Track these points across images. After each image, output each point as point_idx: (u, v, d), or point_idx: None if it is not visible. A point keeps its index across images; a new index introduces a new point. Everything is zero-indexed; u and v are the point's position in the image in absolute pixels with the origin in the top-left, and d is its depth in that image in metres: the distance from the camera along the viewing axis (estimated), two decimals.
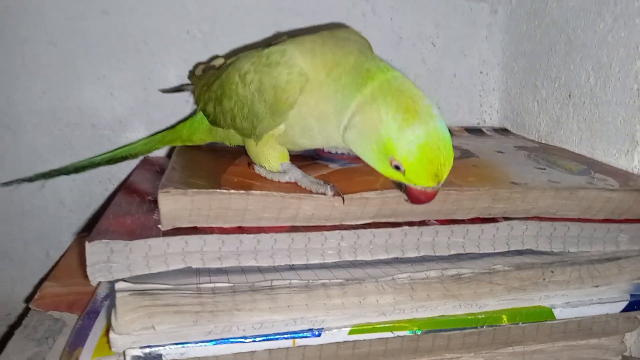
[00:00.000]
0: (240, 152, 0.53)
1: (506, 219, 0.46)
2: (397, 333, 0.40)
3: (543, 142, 0.66)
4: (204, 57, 0.67)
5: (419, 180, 0.39)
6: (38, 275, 0.69)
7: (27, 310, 0.50)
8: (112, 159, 0.61)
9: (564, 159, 0.56)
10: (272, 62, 0.44)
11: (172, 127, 0.60)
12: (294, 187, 0.44)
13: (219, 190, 0.40)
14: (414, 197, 0.41)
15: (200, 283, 0.38)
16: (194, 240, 0.40)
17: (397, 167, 0.39)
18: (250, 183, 0.44)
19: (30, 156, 0.67)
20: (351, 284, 0.40)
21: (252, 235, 0.41)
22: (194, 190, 0.40)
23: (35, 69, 0.64)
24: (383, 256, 0.44)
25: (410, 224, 0.44)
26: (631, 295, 0.45)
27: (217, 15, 0.67)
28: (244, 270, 0.41)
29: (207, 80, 0.53)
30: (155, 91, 0.67)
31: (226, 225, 0.41)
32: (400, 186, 0.42)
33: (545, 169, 0.52)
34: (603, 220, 0.47)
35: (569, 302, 0.44)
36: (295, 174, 0.45)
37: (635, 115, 0.52)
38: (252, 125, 0.46)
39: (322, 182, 0.43)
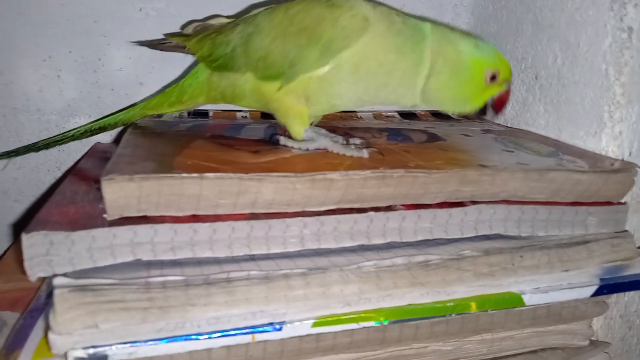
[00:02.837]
0: (198, 135, 0.50)
1: (474, 202, 0.44)
2: (363, 324, 0.38)
3: (509, 125, 0.65)
4: (158, 36, 0.64)
5: (508, 74, 0.49)
6: None
7: None
8: (89, 131, 0.56)
9: (531, 141, 0.55)
10: (335, 4, 0.45)
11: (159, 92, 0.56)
12: (257, 168, 0.41)
13: (169, 175, 0.37)
14: (502, 100, 0.50)
15: (149, 277, 0.35)
16: (144, 230, 0.37)
17: (494, 77, 0.48)
18: (206, 166, 0.40)
19: None
20: (314, 274, 0.37)
21: (207, 224, 0.38)
22: (142, 175, 0.36)
23: None
24: (348, 243, 0.41)
25: (376, 209, 0.42)
26: (601, 280, 0.44)
27: None
28: (199, 262, 0.38)
29: (217, 29, 0.51)
30: (106, 74, 0.63)
31: (179, 214, 0.38)
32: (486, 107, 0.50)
33: (513, 152, 0.50)
34: (572, 203, 0.46)
35: (538, 288, 0.42)
36: (324, 141, 0.47)
37: (604, 95, 0.51)
38: (291, 62, 0.44)
39: (355, 145, 0.47)
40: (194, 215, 0.39)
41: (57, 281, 0.34)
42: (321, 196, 0.40)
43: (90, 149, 0.61)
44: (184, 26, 0.59)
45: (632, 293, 0.54)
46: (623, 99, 0.49)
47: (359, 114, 0.69)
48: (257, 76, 0.47)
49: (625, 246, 0.46)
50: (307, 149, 0.46)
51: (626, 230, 0.48)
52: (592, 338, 0.52)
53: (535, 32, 0.60)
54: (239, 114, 0.64)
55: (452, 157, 0.48)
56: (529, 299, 0.42)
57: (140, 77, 0.65)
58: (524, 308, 0.44)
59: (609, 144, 0.51)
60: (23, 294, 0.46)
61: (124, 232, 0.36)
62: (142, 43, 0.62)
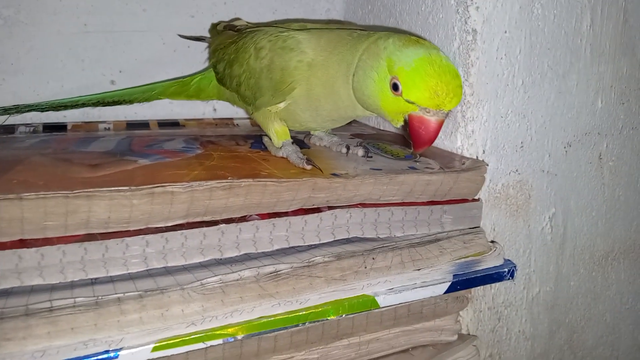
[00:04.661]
0: (37, 151, 0.46)
1: (330, 208, 0.44)
2: (210, 342, 0.37)
3: (381, 128, 0.66)
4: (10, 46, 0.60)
5: (417, 95, 0.40)
6: None
7: None
8: (102, 102, 0.58)
9: (393, 144, 0.56)
10: (287, 47, 0.47)
11: (180, 78, 0.60)
12: (89, 183, 0.38)
13: None
14: (415, 130, 0.42)
15: None
16: None
17: (395, 86, 0.41)
18: (34, 184, 0.37)
19: None
20: (150, 296, 0.35)
21: (33, 249, 0.35)
22: None
23: None
24: (199, 259, 0.40)
25: (228, 221, 0.41)
26: (454, 276, 0.45)
27: None
28: (32, 291, 0.35)
29: (224, 39, 0.56)
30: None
31: (3, 239, 0.35)
32: (405, 128, 0.43)
33: (371, 157, 0.51)
34: (427, 203, 0.47)
35: (392, 289, 0.43)
36: (287, 150, 0.48)
37: None
38: (254, 96, 0.50)
39: (305, 158, 0.46)
40: (20, 240, 0.36)
41: None
42: (164, 211, 0.39)
43: None
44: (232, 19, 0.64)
45: (498, 285, 0.56)
46: (473, 99, 0.51)
47: (235, 121, 0.68)
48: (239, 99, 0.54)
49: (477, 242, 0.47)
50: (275, 155, 0.50)
51: (478, 227, 0.49)
52: (461, 332, 0.53)
53: None
54: (101, 126, 0.60)
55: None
56: (383, 301, 0.42)
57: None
58: (383, 309, 0.44)
59: (463, 143, 0.53)
60: None
61: None
62: (186, 37, 0.66)
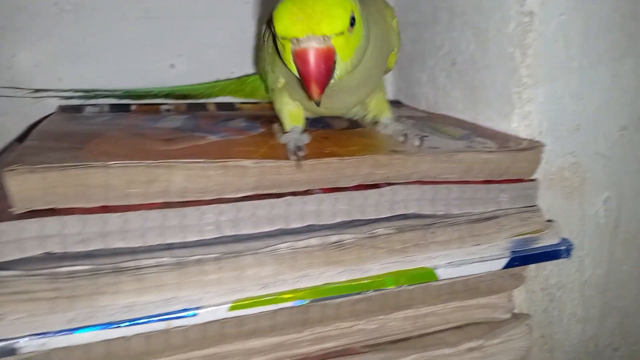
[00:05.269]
0: (111, 127, 0.49)
1: (389, 184, 0.45)
2: (281, 305, 0.39)
3: (431, 111, 0.67)
4: (75, 32, 0.63)
5: (280, 26, 0.37)
6: None
7: None
8: (171, 94, 0.62)
9: (447, 125, 0.57)
10: None
11: (236, 78, 0.64)
12: (167, 155, 0.40)
13: (73, 165, 0.36)
14: (298, 68, 0.38)
15: (55, 267, 0.34)
16: (52, 222, 0.36)
17: (274, 36, 0.39)
18: (115, 154, 0.40)
19: None
20: (227, 258, 0.38)
21: (118, 214, 0.37)
22: (45, 166, 0.36)
23: None
24: (267, 228, 0.42)
25: (294, 194, 0.43)
26: (511, 252, 0.46)
27: None
28: (113, 254, 0.38)
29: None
30: (21, 70, 0.62)
31: (88, 205, 0.38)
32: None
33: (427, 136, 0.52)
34: (483, 182, 0.48)
35: (451, 262, 0.44)
36: (287, 137, 0.46)
37: (512, 78, 0.53)
38: (266, 76, 0.50)
39: (297, 148, 0.43)
40: (104, 206, 0.38)
41: None
42: (236, 183, 0.41)
43: (5, 147, 0.59)
44: None
45: (551, 266, 0.57)
46: (530, 80, 0.52)
47: None
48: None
49: (534, 219, 0.48)
50: (279, 141, 0.47)
51: (535, 205, 0.50)
52: (514, 311, 0.54)
53: (451, 20, 0.62)
54: (163, 107, 0.63)
55: (367, 143, 0.49)
56: (442, 273, 0.43)
57: (59, 73, 0.63)
58: (442, 283, 0.46)
59: (520, 124, 0.53)
60: None
61: (32, 225, 0.36)
62: None
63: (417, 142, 0.49)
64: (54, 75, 0.63)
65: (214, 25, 0.68)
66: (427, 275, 0.43)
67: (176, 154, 0.41)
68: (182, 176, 0.39)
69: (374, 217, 0.45)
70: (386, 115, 0.54)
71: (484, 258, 0.45)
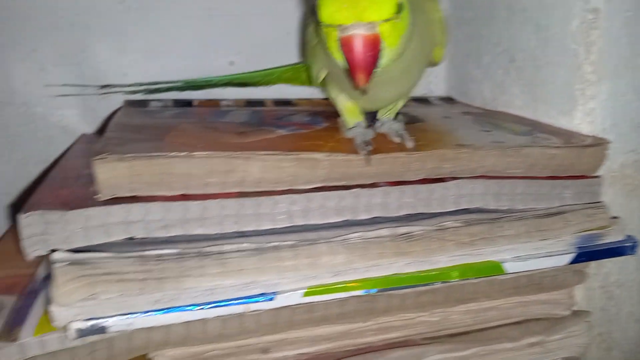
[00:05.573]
0: (183, 120, 0.51)
1: (454, 178, 0.46)
2: (351, 293, 0.40)
3: (488, 108, 0.67)
4: (140, 29, 0.65)
5: (326, 13, 0.36)
6: None
7: None
8: (230, 82, 0.64)
9: (508, 121, 0.57)
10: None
11: (292, 65, 0.64)
12: (243, 147, 0.42)
13: (158, 154, 0.38)
14: (345, 51, 0.37)
15: (144, 250, 0.36)
16: (136, 208, 0.38)
17: (317, 24, 0.39)
18: (194, 146, 0.41)
19: None
20: (303, 245, 0.39)
21: (198, 202, 0.39)
22: (132, 155, 0.38)
23: None
24: (335, 219, 0.43)
25: (361, 186, 0.44)
26: (577, 248, 0.46)
27: None
28: (191, 240, 0.39)
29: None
30: (89, 65, 0.64)
31: (170, 193, 0.39)
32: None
33: (490, 132, 0.52)
34: (548, 177, 0.48)
35: (518, 256, 0.44)
36: (354, 132, 0.47)
37: (575, 75, 0.53)
38: (312, 68, 0.50)
39: (364, 142, 0.44)
40: (183, 195, 0.40)
41: (55, 256, 0.35)
42: (307, 174, 0.42)
43: (76, 140, 0.61)
44: None
45: (611, 264, 0.56)
46: (594, 77, 0.52)
47: None
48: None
49: (599, 216, 0.48)
50: (345, 136, 0.48)
51: (600, 201, 0.50)
52: (574, 308, 0.54)
53: (509, 17, 0.62)
54: (223, 102, 0.65)
55: (432, 137, 0.49)
56: (509, 267, 0.44)
57: (124, 69, 0.66)
58: (506, 277, 0.46)
59: (582, 121, 0.53)
60: (17, 279, 0.46)
61: (118, 211, 0.37)
62: None
63: (410, 144, 0.46)
64: (120, 70, 0.66)
65: (271, 23, 0.70)
66: (495, 268, 0.43)
67: (251, 146, 0.42)
68: (258, 167, 0.40)
69: (438, 211, 0.45)
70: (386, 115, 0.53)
71: (550, 253, 0.45)
